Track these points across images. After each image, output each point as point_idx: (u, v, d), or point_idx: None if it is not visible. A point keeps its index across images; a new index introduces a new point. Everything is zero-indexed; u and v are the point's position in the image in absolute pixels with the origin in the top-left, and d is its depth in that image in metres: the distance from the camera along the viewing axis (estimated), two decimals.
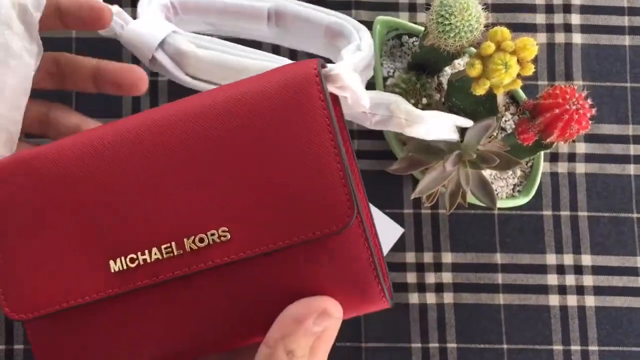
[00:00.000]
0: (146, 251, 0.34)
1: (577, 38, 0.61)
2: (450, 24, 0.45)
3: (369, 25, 0.59)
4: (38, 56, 0.41)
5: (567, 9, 0.61)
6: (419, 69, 0.54)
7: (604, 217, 0.60)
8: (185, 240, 0.34)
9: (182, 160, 0.35)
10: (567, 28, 0.61)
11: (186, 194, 0.35)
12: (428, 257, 0.59)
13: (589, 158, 0.60)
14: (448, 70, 0.57)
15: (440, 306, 0.59)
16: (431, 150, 0.49)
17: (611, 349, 0.59)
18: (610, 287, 0.59)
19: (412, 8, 0.61)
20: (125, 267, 0.34)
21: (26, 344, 0.57)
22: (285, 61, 0.46)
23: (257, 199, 0.34)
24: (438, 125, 0.46)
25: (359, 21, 0.60)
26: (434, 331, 0.59)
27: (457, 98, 0.52)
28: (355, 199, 0.33)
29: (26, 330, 0.37)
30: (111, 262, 0.35)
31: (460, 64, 0.57)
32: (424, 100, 0.53)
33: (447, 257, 0.59)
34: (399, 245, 0.59)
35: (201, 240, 0.34)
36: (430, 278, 0.59)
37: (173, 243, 0.34)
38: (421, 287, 0.59)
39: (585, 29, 0.61)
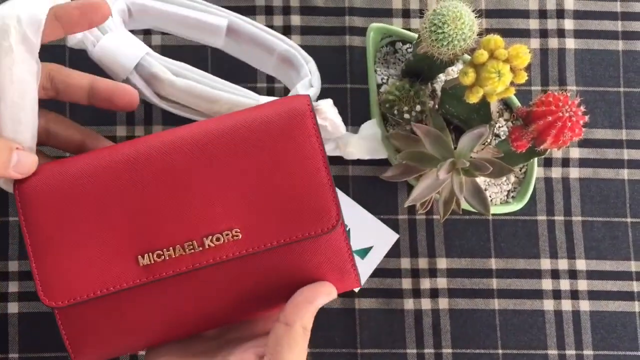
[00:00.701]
0: (171, 248, 0.42)
1: (571, 43, 0.61)
2: (444, 32, 0.45)
3: (363, 31, 0.60)
4: (38, 74, 0.43)
5: (560, 14, 0.62)
6: (412, 76, 0.54)
7: (598, 222, 0.60)
8: (204, 239, 0.42)
9: (200, 174, 0.42)
10: (561, 33, 0.61)
11: (204, 202, 0.42)
12: (423, 263, 0.59)
13: (583, 163, 0.61)
14: (442, 77, 0.57)
15: (435, 312, 0.59)
16: (425, 158, 0.49)
17: (606, 353, 0.59)
18: (604, 292, 0.60)
19: (406, 14, 0.61)
20: (152, 261, 0.42)
21: (21, 353, 0.57)
22: (258, 98, 0.50)
23: (263, 205, 0.42)
24: (364, 147, 0.53)
25: (350, 28, 0.60)
26: (429, 337, 0.59)
27: (451, 105, 0.52)
28: (339, 206, 0.43)
29: (57, 316, 0.43)
30: (139, 257, 0.42)
31: (454, 71, 0.57)
32: (418, 108, 0.53)
33: (442, 263, 0.60)
34: (394, 251, 0.59)
35: (218, 239, 0.42)
36: (426, 284, 0.59)
37: (194, 241, 0.42)
38: (416, 293, 0.59)
39: (578, 34, 0.61)
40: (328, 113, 0.49)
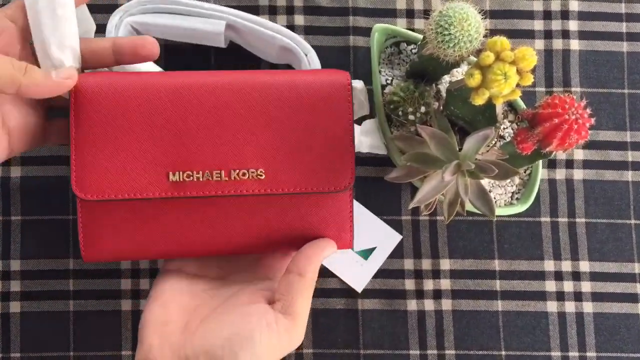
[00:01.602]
0: (200, 172, 0.47)
1: (575, 44, 0.61)
2: (450, 34, 0.45)
3: (367, 31, 0.59)
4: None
5: (565, 15, 0.61)
6: (417, 77, 0.54)
7: (602, 224, 0.60)
8: (231, 171, 0.47)
9: (240, 116, 0.48)
10: (565, 34, 0.61)
11: (239, 141, 0.47)
12: (426, 264, 0.59)
13: (587, 165, 0.60)
14: (447, 79, 0.57)
15: (438, 313, 0.59)
16: (429, 160, 0.49)
17: (609, 355, 0.59)
18: (608, 294, 0.60)
19: (410, 14, 0.61)
20: (181, 179, 0.47)
21: (22, 352, 0.57)
22: None
23: (290, 155, 0.48)
24: (364, 143, 0.55)
25: (354, 28, 0.60)
26: (432, 338, 0.59)
27: (456, 107, 0.52)
28: (354, 171, 0.48)
29: (79, 207, 0.48)
30: (170, 174, 0.47)
31: (459, 72, 0.57)
32: (422, 109, 0.53)
33: (446, 264, 0.59)
34: (397, 252, 0.59)
35: (243, 174, 0.48)
36: (429, 285, 0.59)
37: (223, 171, 0.47)
38: (419, 294, 0.59)
39: (583, 35, 0.61)
40: (359, 93, 0.54)
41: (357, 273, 0.59)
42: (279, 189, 0.48)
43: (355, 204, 0.59)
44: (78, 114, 0.47)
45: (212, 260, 0.52)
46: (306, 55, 0.55)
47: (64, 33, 0.46)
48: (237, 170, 0.47)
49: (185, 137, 0.47)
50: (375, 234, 0.59)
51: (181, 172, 0.47)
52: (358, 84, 0.54)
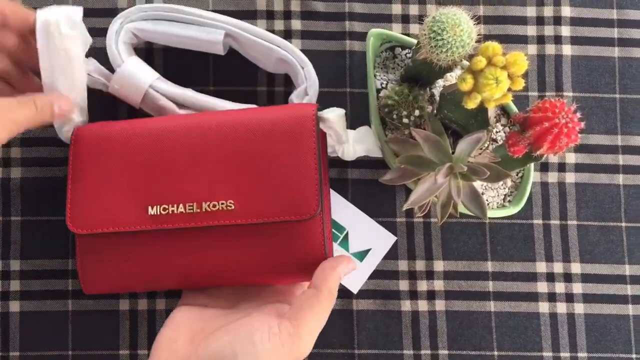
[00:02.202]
0: (175, 205, 0.50)
1: (567, 50, 0.62)
2: (443, 39, 0.46)
3: (362, 36, 0.60)
4: (84, 47, 0.54)
5: (557, 21, 0.62)
6: (411, 81, 0.55)
7: (593, 226, 0.61)
8: (203, 203, 0.50)
9: (211, 153, 0.51)
10: (558, 40, 0.62)
11: (210, 176, 0.51)
12: (420, 265, 0.60)
13: (579, 168, 0.61)
14: (440, 83, 0.58)
15: (432, 313, 0.60)
16: (423, 162, 0.50)
17: (600, 355, 0.60)
18: (599, 295, 0.60)
19: (405, 20, 0.62)
20: (158, 212, 0.50)
21: (22, 351, 0.58)
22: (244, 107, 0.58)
23: (258, 187, 0.50)
24: (359, 149, 0.56)
25: (350, 33, 0.61)
26: (426, 338, 0.60)
27: (449, 110, 0.52)
28: (322, 200, 0.50)
29: (77, 242, 0.52)
30: (149, 207, 0.51)
31: (452, 76, 0.57)
32: (416, 112, 0.53)
33: (439, 265, 0.60)
34: (392, 254, 0.60)
35: (214, 205, 0.50)
36: (423, 286, 0.60)
37: (195, 203, 0.50)
38: (413, 295, 0.60)
39: (575, 40, 0.62)
40: (334, 124, 0.54)
41: (352, 274, 0.59)
42: (248, 219, 0.50)
43: (350, 206, 0.60)
44: (74, 157, 0.53)
45: (221, 291, 0.54)
46: (303, 68, 0.56)
47: (77, 94, 0.54)
48: (209, 202, 0.50)
49: (162, 174, 0.51)
50: (369, 236, 0.60)
51: (158, 206, 0.50)
52: (332, 113, 0.54)
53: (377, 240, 0.60)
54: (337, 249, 0.60)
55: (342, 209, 0.60)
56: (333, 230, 0.60)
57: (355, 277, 0.60)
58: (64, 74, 0.52)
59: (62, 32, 0.51)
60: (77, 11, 0.52)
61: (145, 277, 0.52)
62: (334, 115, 0.54)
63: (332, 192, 0.60)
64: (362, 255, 0.60)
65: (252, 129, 0.51)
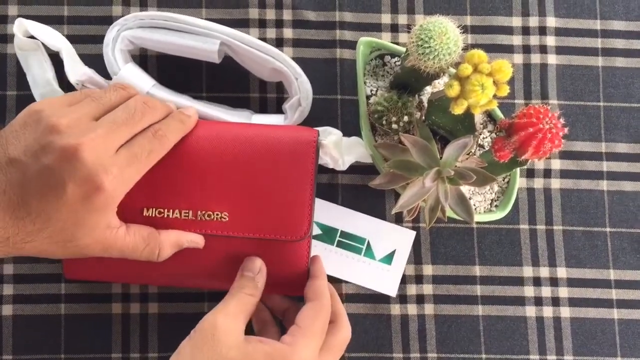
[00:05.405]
0: (171, 210, 0.52)
1: (552, 59, 0.63)
2: (430, 47, 0.47)
3: (353, 44, 0.61)
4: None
5: (542, 31, 0.64)
6: (400, 88, 0.56)
7: (578, 231, 0.62)
8: (198, 212, 0.52)
9: (212, 165, 0.52)
10: (543, 49, 0.63)
11: (209, 187, 0.52)
12: (409, 270, 0.61)
13: (564, 174, 0.63)
14: (428, 90, 0.59)
15: (421, 317, 0.61)
16: (411, 167, 0.51)
17: (586, 358, 0.61)
18: (584, 299, 0.61)
19: (394, 29, 0.63)
20: (153, 215, 0.52)
21: (14, 355, 0.58)
22: (250, 116, 0.59)
23: (253, 203, 0.52)
24: (350, 158, 0.58)
25: (341, 41, 0.62)
26: (415, 341, 0.60)
27: (437, 116, 0.54)
28: (311, 223, 0.52)
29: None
30: (144, 209, 0.52)
31: (440, 83, 0.59)
32: (405, 118, 0.54)
33: (428, 270, 0.61)
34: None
35: (209, 215, 0.52)
36: (412, 290, 0.61)
37: (190, 211, 0.52)
38: (403, 299, 0.61)
39: (560, 50, 0.64)
40: (331, 150, 0.56)
41: (386, 279, 0.60)
42: (240, 233, 0.52)
43: (364, 216, 0.61)
44: None
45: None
46: (297, 79, 0.57)
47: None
48: (204, 212, 0.52)
49: (161, 180, 0.52)
50: (390, 237, 0.61)
51: (154, 209, 0.52)
52: (331, 138, 0.56)
53: (399, 240, 0.61)
54: (328, 252, 0.60)
55: (357, 222, 0.61)
56: (355, 244, 0.60)
57: (389, 281, 0.60)
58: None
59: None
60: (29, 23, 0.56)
61: (131, 271, 0.53)
62: (333, 142, 0.55)
63: (344, 209, 0.61)
64: (389, 258, 0.61)
65: (253, 145, 0.52)
